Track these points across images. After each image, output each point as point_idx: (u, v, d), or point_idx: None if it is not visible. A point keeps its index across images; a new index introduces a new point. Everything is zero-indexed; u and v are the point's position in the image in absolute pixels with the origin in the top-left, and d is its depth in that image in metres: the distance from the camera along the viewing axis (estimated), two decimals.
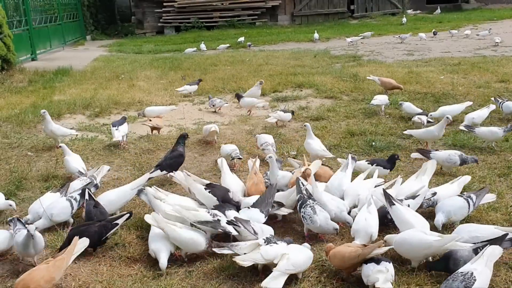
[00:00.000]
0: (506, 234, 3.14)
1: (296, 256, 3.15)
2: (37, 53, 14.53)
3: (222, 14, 22.31)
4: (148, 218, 3.57)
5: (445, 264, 3.10)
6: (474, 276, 2.77)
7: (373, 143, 5.57)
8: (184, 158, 4.98)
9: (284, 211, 3.97)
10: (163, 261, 3.34)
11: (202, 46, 15.39)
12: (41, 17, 16.02)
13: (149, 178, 4.50)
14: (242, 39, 16.47)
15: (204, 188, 4.08)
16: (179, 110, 7.64)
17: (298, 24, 22.96)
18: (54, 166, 5.23)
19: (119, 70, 11.56)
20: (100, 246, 3.64)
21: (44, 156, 5.50)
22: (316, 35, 16.77)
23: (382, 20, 22.39)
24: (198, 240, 3.42)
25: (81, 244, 3.30)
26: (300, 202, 3.74)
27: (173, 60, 13.06)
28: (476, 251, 3.06)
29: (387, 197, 3.58)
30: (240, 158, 5.08)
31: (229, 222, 3.50)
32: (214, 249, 3.40)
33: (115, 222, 3.69)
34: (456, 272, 2.85)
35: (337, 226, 3.57)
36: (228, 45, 15.80)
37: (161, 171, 4.70)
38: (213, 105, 7.51)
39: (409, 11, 23.37)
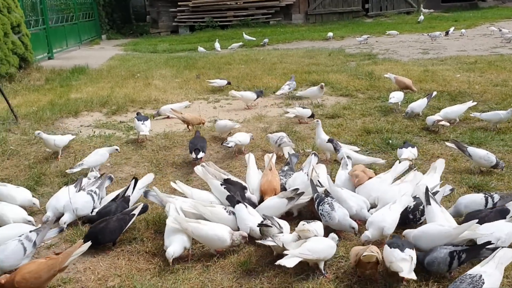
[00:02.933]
0: (487, 243, 3.05)
1: (313, 242, 3.17)
2: (53, 52, 14.72)
3: (236, 13, 22.35)
4: (170, 221, 3.53)
5: (420, 262, 3.08)
6: (483, 279, 2.72)
7: (390, 141, 5.54)
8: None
9: (304, 199, 3.93)
10: (171, 250, 3.30)
11: (217, 45, 15.44)
12: (58, 16, 16.21)
13: (197, 159, 4.97)
14: (266, 40, 16.48)
15: (220, 184, 4.10)
16: (195, 108, 7.68)
17: (312, 23, 22.90)
18: (72, 162, 5.30)
19: (135, 69, 11.66)
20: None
21: (62, 152, 5.56)
22: (330, 34, 16.74)
23: (397, 19, 22.23)
24: (223, 237, 3.42)
25: (82, 248, 3.27)
26: (317, 200, 3.73)
27: (188, 59, 13.13)
28: (451, 255, 3.01)
29: (427, 195, 3.52)
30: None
31: (259, 225, 3.46)
32: (257, 241, 3.40)
33: (132, 213, 3.74)
34: (465, 274, 2.81)
35: (355, 225, 3.53)
36: (241, 43, 15.82)
37: (202, 152, 5.07)
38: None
39: (424, 10, 23.16)
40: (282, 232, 3.42)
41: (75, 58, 14.32)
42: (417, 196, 3.77)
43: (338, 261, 3.34)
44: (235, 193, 3.96)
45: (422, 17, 20.50)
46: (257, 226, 3.48)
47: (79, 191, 4.16)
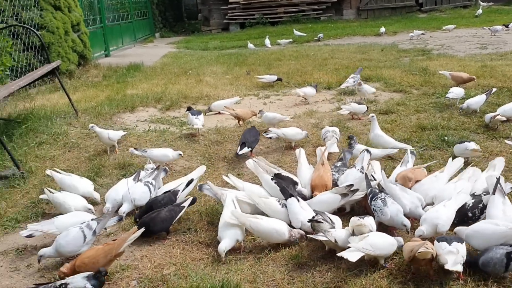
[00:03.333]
0: None
1: (375, 238, 3.14)
2: (110, 49, 15.24)
3: (286, 9, 22.30)
4: (227, 218, 3.58)
5: (475, 263, 3.01)
6: None
7: (445, 138, 5.38)
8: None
9: (358, 195, 3.89)
10: (223, 245, 3.37)
11: (267, 41, 15.47)
12: (114, 15, 16.77)
13: (238, 155, 5.09)
14: (321, 35, 16.38)
15: (271, 178, 4.13)
16: (245, 104, 7.75)
17: (364, 18, 22.49)
18: (129, 155, 5.49)
19: (187, 66, 11.89)
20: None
21: (120, 146, 5.78)
22: (382, 29, 16.40)
23: (452, 13, 21.45)
24: (281, 230, 3.46)
25: (136, 234, 3.41)
26: (370, 195, 3.69)
27: (238, 56, 13.24)
28: (508, 256, 2.90)
29: (496, 185, 3.43)
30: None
31: (310, 220, 3.47)
32: (309, 235, 3.42)
33: (182, 205, 3.85)
34: None
35: (408, 223, 3.43)
36: (290, 40, 15.74)
37: (248, 148, 5.10)
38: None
39: (482, 3, 22.24)
40: (333, 228, 3.41)
41: (130, 55, 14.76)
42: (475, 193, 3.65)
43: (392, 257, 3.28)
44: (287, 187, 3.98)
45: (480, 10, 19.67)
46: (308, 221, 3.49)
47: (137, 182, 4.32)
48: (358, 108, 6.38)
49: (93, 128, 5.53)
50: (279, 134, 5.37)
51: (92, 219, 3.61)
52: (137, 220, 3.89)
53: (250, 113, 6.52)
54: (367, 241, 3.11)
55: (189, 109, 6.45)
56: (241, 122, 6.50)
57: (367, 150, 4.43)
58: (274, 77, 8.95)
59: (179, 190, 4.10)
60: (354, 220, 3.39)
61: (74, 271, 3.16)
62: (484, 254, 3.02)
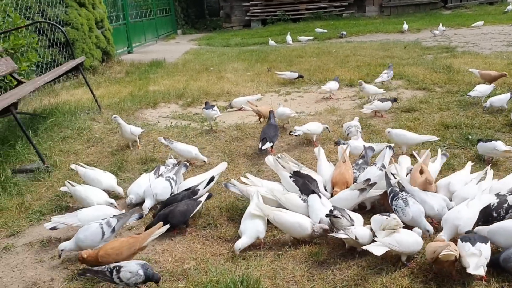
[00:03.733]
0: None
1: (402, 235, 3.12)
2: (133, 46, 15.39)
3: (308, 6, 22.20)
4: (253, 210, 3.62)
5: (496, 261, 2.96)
6: None
7: (469, 136, 5.29)
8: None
9: (376, 192, 3.86)
10: (241, 242, 3.39)
11: (288, 38, 15.41)
12: (137, 12, 16.92)
13: (261, 150, 5.14)
14: (344, 32, 16.26)
15: (289, 176, 4.13)
16: (266, 101, 7.75)
17: (387, 15, 22.24)
18: (151, 150, 5.56)
19: (208, 63, 11.94)
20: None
21: (142, 141, 5.84)
22: (405, 26, 16.17)
23: (478, 10, 21.04)
24: (304, 225, 3.46)
25: (161, 229, 3.44)
26: (391, 195, 3.64)
27: (259, 52, 13.23)
28: None
29: None
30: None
31: (328, 215, 3.46)
32: (329, 234, 3.41)
33: (199, 200, 3.88)
34: None
35: (431, 228, 3.37)
36: (310, 37, 15.62)
37: (269, 142, 5.16)
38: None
39: (509, 1, 21.76)
40: (353, 225, 3.39)
41: (153, 52, 14.89)
42: (500, 193, 3.58)
43: (413, 256, 3.25)
44: (305, 182, 3.97)
45: (510, 7, 19.23)
46: (326, 216, 3.48)
47: (157, 177, 4.36)
48: (382, 106, 6.31)
49: (116, 119, 5.57)
50: (304, 130, 5.42)
51: (113, 216, 3.65)
52: (156, 217, 3.94)
53: (269, 110, 6.52)
54: (394, 237, 3.09)
55: (206, 104, 6.48)
56: (261, 119, 6.50)
57: (389, 147, 4.39)
58: (295, 74, 8.91)
59: (199, 189, 4.12)
60: (381, 218, 3.34)
61: (96, 260, 3.21)
62: (505, 250, 2.98)
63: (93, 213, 3.86)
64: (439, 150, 4.45)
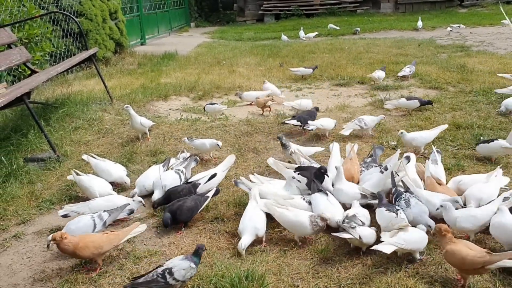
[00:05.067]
0: None
1: (409, 233, 3.12)
2: (146, 38, 15.45)
3: (322, 1, 22.10)
4: (259, 205, 3.64)
5: None
6: None
7: (481, 137, 5.25)
8: (316, 114, 5.89)
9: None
10: (244, 242, 3.38)
11: (301, 33, 15.34)
12: (151, 4, 16.97)
13: (284, 123, 5.68)
14: (358, 29, 16.15)
15: (294, 171, 4.13)
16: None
17: (402, 12, 22.06)
18: (161, 142, 5.59)
19: (221, 56, 11.94)
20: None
21: (152, 133, 5.87)
22: (419, 23, 16.01)
23: (494, 9, 20.76)
24: (304, 223, 3.43)
25: (138, 228, 3.46)
26: (395, 195, 3.63)
27: (272, 47, 13.21)
28: None
29: None
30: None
31: (342, 223, 3.41)
32: (332, 234, 3.41)
33: (206, 195, 3.90)
34: None
35: (432, 223, 3.34)
36: (316, 33, 15.48)
37: (297, 121, 5.53)
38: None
39: None
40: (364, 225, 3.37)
41: (165, 44, 14.93)
42: (505, 196, 3.55)
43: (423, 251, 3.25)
44: (312, 180, 3.96)
45: None
46: (340, 224, 3.41)
47: (167, 170, 4.39)
48: (406, 104, 6.22)
49: (128, 109, 5.60)
50: (318, 125, 5.50)
51: (104, 211, 3.67)
52: (155, 206, 4.00)
53: (262, 101, 6.68)
54: (400, 236, 3.08)
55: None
56: (265, 113, 6.65)
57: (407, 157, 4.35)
58: (310, 71, 8.88)
59: (200, 183, 4.13)
60: (391, 216, 3.34)
61: (73, 250, 3.18)
62: None
63: (105, 203, 3.91)
64: (434, 148, 4.37)
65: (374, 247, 3.07)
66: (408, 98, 6.32)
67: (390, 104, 6.34)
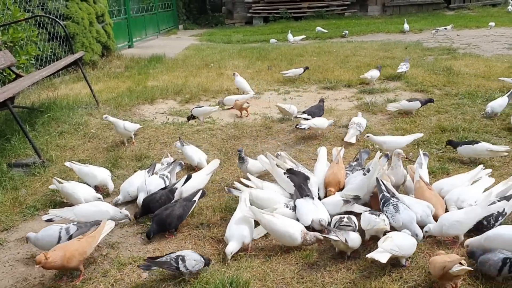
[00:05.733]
0: None
1: (400, 239, 3.13)
2: (133, 40, 15.38)
3: (311, 4, 22.16)
4: (244, 212, 3.61)
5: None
6: None
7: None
8: (323, 111, 6.20)
9: (360, 208, 3.84)
10: (230, 248, 3.35)
11: (289, 36, 15.36)
12: (138, 6, 16.90)
13: (296, 117, 6.01)
14: (346, 31, 16.21)
15: (284, 173, 4.14)
16: (265, 99, 7.74)
17: (389, 15, 22.20)
18: (146, 147, 5.56)
19: (209, 59, 11.92)
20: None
21: (137, 138, 5.84)
22: (406, 26, 16.10)
23: (481, 12, 20.99)
24: (294, 235, 3.40)
25: (108, 226, 3.47)
26: (382, 201, 3.63)
27: (260, 50, 13.21)
28: (504, 261, 2.91)
29: None
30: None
31: (339, 225, 3.40)
32: (320, 236, 3.40)
33: (193, 199, 3.88)
34: None
35: (420, 233, 3.36)
36: (303, 36, 15.45)
37: (308, 115, 5.83)
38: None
39: (510, 1, 21.70)
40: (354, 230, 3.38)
41: (153, 47, 14.87)
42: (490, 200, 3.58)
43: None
44: (300, 185, 3.97)
45: (510, 7, 19.25)
46: (338, 227, 3.39)
47: (152, 175, 4.38)
48: (408, 106, 6.27)
49: (107, 118, 5.58)
50: (310, 124, 5.57)
51: (74, 224, 3.61)
52: (137, 217, 3.96)
53: (239, 104, 6.79)
54: (394, 242, 3.09)
55: (189, 118, 6.53)
56: (243, 113, 6.78)
57: (386, 155, 4.37)
58: (300, 70, 8.93)
59: (176, 188, 4.11)
60: (372, 218, 3.38)
61: (61, 264, 3.13)
62: (485, 253, 3.03)
63: (90, 208, 3.89)
64: (420, 151, 4.38)
65: (369, 256, 3.05)
66: (410, 100, 6.39)
67: (392, 107, 6.38)
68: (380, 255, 3.03)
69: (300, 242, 3.41)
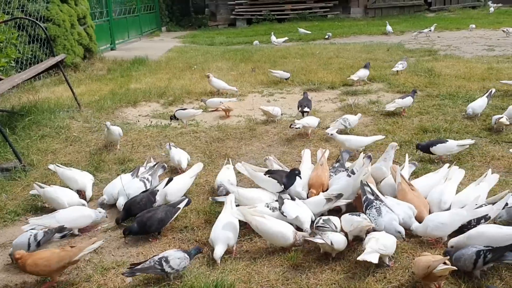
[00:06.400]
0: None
1: (384, 239, 3.17)
2: (116, 43, 15.24)
3: (294, 6, 22.24)
4: (234, 213, 3.61)
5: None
6: None
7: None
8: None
9: (342, 202, 3.89)
10: (218, 252, 3.35)
11: (273, 38, 15.37)
12: (121, 8, 16.78)
13: (303, 112, 6.33)
14: (330, 34, 16.28)
15: (264, 174, 4.16)
16: (248, 101, 7.74)
17: (372, 17, 22.39)
18: (129, 150, 5.52)
19: (192, 61, 11.88)
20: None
21: (120, 141, 5.78)
22: (388, 27, 16.26)
23: (461, 14, 21.29)
24: (286, 234, 3.41)
25: (95, 244, 3.34)
26: (366, 203, 3.63)
27: (244, 52, 13.21)
28: (478, 253, 2.98)
29: None
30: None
31: (317, 227, 3.43)
32: (306, 238, 3.41)
33: (178, 206, 3.86)
34: None
35: (402, 230, 3.37)
36: (285, 38, 15.44)
37: (309, 108, 6.40)
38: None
39: (490, 4, 22.07)
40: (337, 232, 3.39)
41: (136, 49, 14.76)
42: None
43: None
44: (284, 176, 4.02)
45: (492, 8, 19.69)
46: (316, 228, 3.43)
47: (134, 178, 4.35)
48: (403, 102, 6.47)
49: (111, 127, 5.41)
50: (304, 123, 5.75)
51: (41, 230, 3.58)
52: (119, 222, 3.92)
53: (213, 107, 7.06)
54: (380, 242, 3.12)
55: (172, 118, 6.51)
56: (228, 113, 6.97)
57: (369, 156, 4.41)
58: (288, 74, 8.99)
59: (157, 190, 4.08)
60: (353, 218, 3.41)
61: (23, 267, 3.13)
62: (459, 250, 3.09)
63: (72, 214, 3.85)
64: (407, 158, 4.40)
65: (361, 257, 3.05)
66: (402, 97, 6.56)
67: (391, 107, 6.50)
68: (370, 255, 3.05)
69: (292, 241, 3.42)
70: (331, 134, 5.20)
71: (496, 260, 3.01)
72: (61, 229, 3.67)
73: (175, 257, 3.11)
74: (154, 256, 3.18)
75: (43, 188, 4.20)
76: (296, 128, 5.71)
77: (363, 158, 4.18)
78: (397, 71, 8.87)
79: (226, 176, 4.40)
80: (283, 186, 4.00)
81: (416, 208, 3.65)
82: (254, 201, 3.91)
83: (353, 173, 4.00)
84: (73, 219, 3.75)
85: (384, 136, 5.37)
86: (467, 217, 3.42)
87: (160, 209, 3.78)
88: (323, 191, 4.09)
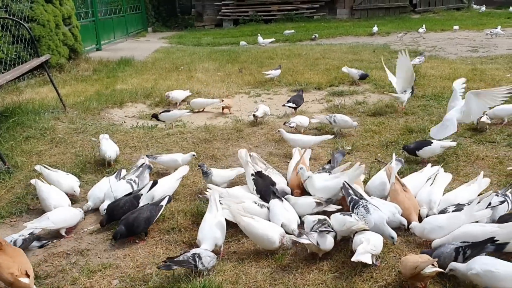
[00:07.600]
0: (491, 239, 3.08)
1: (374, 239, 3.19)
2: (101, 43, 15.13)
3: (280, 7, 22.30)
4: (224, 213, 3.60)
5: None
6: None
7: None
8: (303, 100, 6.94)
9: (332, 208, 3.89)
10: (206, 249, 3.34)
11: (260, 39, 15.39)
12: (106, 9, 16.66)
13: (283, 105, 6.69)
14: (316, 35, 16.34)
15: (252, 174, 4.17)
16: (235, 103, 7.73)
17: (357, 18, 22.55)
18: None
19: (179, 62, 11.84)
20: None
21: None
22: (375, 28, 16.42)
23: (446, 15, 21.57)
24: (272, 238, 3.39)
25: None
26: (352, 203, 3.62)
27: (231, 52, 13.20)
28: (457, 250, 3.05)
29: None
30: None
31: (321, 230, 3.39)
32: (293, 238, 3.41)
33: (160, 204, 3.85)
34: None
35: (395, 235, 3.34)
36: (272, 39, 15.45)
37: (293, 103, 6.64)
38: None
39: (474, 6, 22.39)
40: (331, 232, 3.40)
41: (122, 50, 14.67)
42: (460, 203, 3.67)
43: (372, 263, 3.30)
44: (262, 190, 3.99)
45: (484, 8, 20.06)
46: (319, 231, 3.36)
47: (119, 180, 4.32)
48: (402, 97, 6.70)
49: (108, 139, 5.30)
50: (297, 122, 5.88)
51: (20, 236, 3.58)
52: (103, 225, 3.88)
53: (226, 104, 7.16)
54: (370, 242, 3.14)
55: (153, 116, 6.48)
56: (227, 110, 7.15)
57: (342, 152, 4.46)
58: (279, 71, 9.17)
59: (141, 194, 4.05)
60: (345, 219, 3.42)
61: None
62: (437, 249, 3.15)
63: (65, 213, 3.87)
64: (394, 156, 4.39)
65: (355, 258, 3.06)
66: (392, 92, 6.94)
67: (401, 102, 6.72)
68: (364, 256, 3.07)
69: (278, 245, 3.41)
70: (278, 131, 5.42)
71: (476, 255, 3.02)
72: (39, 238, 3.69)
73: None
74: (185, 252, 3.21)
75: (49, 169, 4.34)
76: (290, 126, 5.79)
77: (333, 154, 4.36)
78: (414, 64, 8.96)
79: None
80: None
81: (406, 210, 3.65)
82: (241, 199, 3.92)
83: (331, 169, 4.06)
84: (65, 219, 3.79)
85: (332, 136, 5.43)
86: (464, 221, 3.39)
87: (144, 209, 3.76)
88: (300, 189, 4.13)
